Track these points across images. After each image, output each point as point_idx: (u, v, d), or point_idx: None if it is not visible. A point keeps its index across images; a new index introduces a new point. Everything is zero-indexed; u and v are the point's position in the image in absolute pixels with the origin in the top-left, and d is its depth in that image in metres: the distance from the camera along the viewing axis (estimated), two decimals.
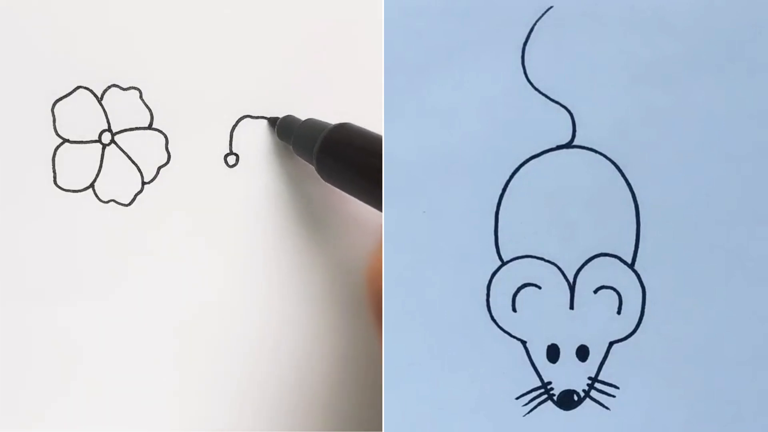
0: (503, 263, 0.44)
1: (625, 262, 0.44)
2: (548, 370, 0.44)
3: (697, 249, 0.44)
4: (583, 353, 0.44)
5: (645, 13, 0.44)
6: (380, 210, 0.41)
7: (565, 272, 0.44)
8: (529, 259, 0.44)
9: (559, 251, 0.44)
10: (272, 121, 0.49)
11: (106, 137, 0.48)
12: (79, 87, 0.48)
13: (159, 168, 0.49)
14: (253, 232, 0.50)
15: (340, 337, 0.50)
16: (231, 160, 0.50)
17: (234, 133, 0.49)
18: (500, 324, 0.44)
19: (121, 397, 0.48)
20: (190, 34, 0.49)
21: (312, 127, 0.46)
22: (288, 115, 0.48)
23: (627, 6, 0.44)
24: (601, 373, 0.44)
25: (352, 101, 0.49)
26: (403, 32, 0.44)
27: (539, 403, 0.44)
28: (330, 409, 0.49)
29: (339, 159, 0.44)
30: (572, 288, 0.44)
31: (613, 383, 0.44)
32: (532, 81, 0.44)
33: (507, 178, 0.44)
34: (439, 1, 0.44)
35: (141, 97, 0.48)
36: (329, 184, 0.46)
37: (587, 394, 0.44)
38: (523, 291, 0.44)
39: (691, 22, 0.44)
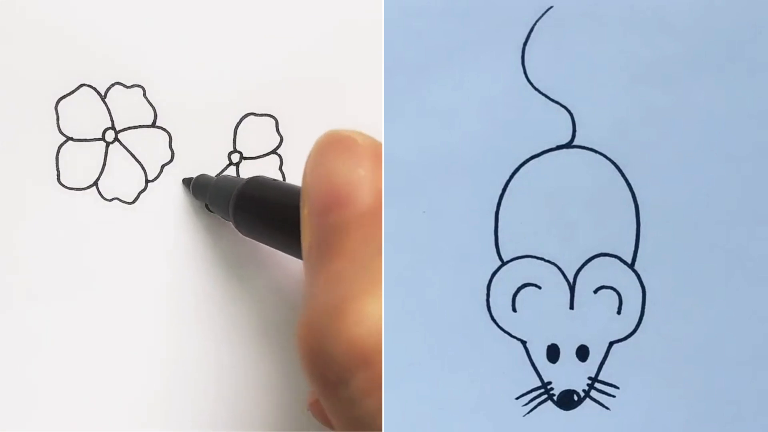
0: (503, 263, 0.44)
1: (625, 262, 0.44)
2: (548, 370, 0.44)
3: (697, 249, 0.44)
4: (583, 353, 0.44)
5: (645, 13, 0.44)
6: (297, 257, 0.39)
7: (565, 272, 0.44)
8: (529, 259, 0.44)
9: (559, 251, 0.44)
10: (186, 182, 0.49)
11: (110, 135, 0.48)
12: (82, 85, 0.48)
13: (163, 166, 0.49)
14: None
15: None
16: (235, 157, 0.50)
17: (238, 131, 0.49)
18: (500, 324, 0.44)
19: (124, 395, 0.49)
20: (193, 31, 0.49)
21: (225, 184, 0.46)
22: (201, 175, 0.48)
23: (627, 6, 0.44)
24: (601, 373, 0.44)
25: (352, 101, 0.49)
26: (403, 32, 0.44)
27: (539, 403, 0.44)
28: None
29: (254, 213, 0.43)
30: (572, 288, 0.44)
31: (613, 383, 0.44)
32: (532, 81, 0.44)
33: (507, 178, 0.44)
34: (439, 1, 0.44)
35: (144, 94, 0.49)
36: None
37: (587, 394, 0.44)
38: (523, 291, 0.44)
39: (691, 22, 0.44)
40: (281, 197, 0.42)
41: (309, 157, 0.36)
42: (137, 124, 0.49)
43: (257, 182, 0.44)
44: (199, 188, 0.48)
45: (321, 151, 0.36)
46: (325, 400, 0.33)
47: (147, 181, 0.49)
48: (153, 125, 0.49)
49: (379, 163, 0.35)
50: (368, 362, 0.31)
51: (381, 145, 0.37)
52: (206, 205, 0.49)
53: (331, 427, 0.41)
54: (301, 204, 0.36)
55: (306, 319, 0.33)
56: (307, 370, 0.33)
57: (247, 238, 0.47)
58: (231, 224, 0.47)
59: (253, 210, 0.43)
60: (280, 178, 0.50)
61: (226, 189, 0.45)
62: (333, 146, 0.36)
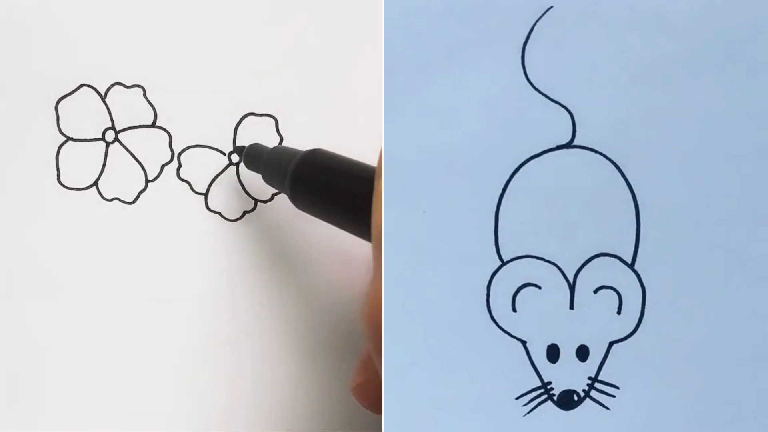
0: (503, 263, 0.44)
1: (625, 262, 0.44)
2: (548, 370, 0.44)
3: (697, 249, 0.44)
4: (583, 353, 0.44)
5: (645, 13, 0.44)
6: (358, 236, 0.40)
7: (565, 272, 0.44)
8: (529, 259, 0.44)
9: (559, 251, 0.44)
10: (239, 150, 0.48)
11: (110, 135, 0.49)
12: (82, 85, 0.48)
13: (163, 166, 0.49)
14: (257, 229, 0.50)
15: (340, 335, 0.50)
16: (235, 157, 0.50)
17: (237, 131, 0.49)
18: (500, 324, 0.44)
19: (123, 395, 0.49)
20: (193, 32, 0.49)
21: (282, 154, 0.45)
22: (254, 144, 0.48)
23: (627, 6, 0.44)
24: (601, 373, 0.44)
25: (352, 101, 0.49)
26: (403, 32, 0.44)
27: (539, 403, 0.44)
28: (329, 409, 0.49)
29: (313, 186, 0.43)
30: (572, 288, 0.44)
31: (613, 383, 0.44)
32: (532, 81, 0.44)
33: (507, 178, 0.44)
34: (439, 1, 0.44)
35: (144, 95, 0.49)
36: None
37: (587, 394, 0.44)
38: (523, 291, 0.44)
39: (691, 22, 0.44)
40: (349, 170, 0.41)
41: None
42: (137, 124, 0.49)
43: (321, 153, 0.44)
44: (252, 158, 0.47)
45: None
46: None
47: (147, 181, 0.49)
48: (153, 125, 0.49)
49: None
50: None
51: None
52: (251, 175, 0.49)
53: (374, 410, 0.41)
54: (376, 180, 0.37)
55: (375, 295, 0.35)
56: (373, 343, 0.35)
57: (247, 239, 0.47)
58: (232, 223, 0.48)
59: (312, 183, 0.43)
60: None
61: (283, 160, 0.44)
62: None
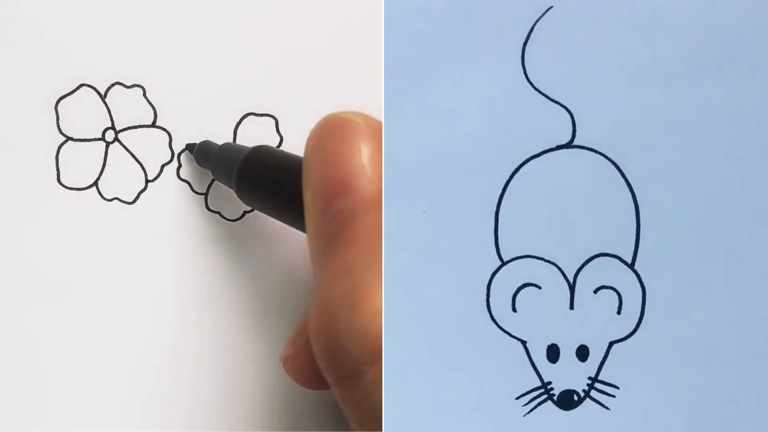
0: (503, 263, 0.44)
1: (625, 262, 0.44)
2: (548, 370, 0.44)
3: (697, 249, 0.44)
4: (583, 353, 0.44)
5: (645, 13, 0.44)
6: (301, 230, 0.39)
7: (565, 272, 0.44)
8: (529, 259, 0.44)
9: (559, 251, 0.44)
10: (190, 147, 0.49)
11: (110, 135, 0.48)
12: (82, 85, 0.48)
13: (163, 166, 0.49)
14: (257, 229, 0.50)
15: None
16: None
17: (238, 131, 0.49)
18: (500, 324, 0.44)
19: (124, 396, 0.49)
20: (193, 31, 0.49)
21: (230, 151, 0.45)
22: (205, 141, 0.48)
23: (627, 6, 0.44)
24: (601, 373, 0.44)
25: (352, 101, 0.49)
26: (403, 32, 0.44)
27: (539, 403, 0.44)
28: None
29: (257, 182, 0.43)
30: (572, 288, 0.44)
31: (613, 383, 0.44)
32: (532, 81, 0.44)
33: (507, 178, 0.44)
34: (439, 1, 0.44)
35: (145, 94, 0.49)
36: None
37: (587, 394, 0.44)
38: (523, 291, 0.44)
39: (691, 22, 0.44)
40: (288, 167, 0.41)
41: (309, 141, 0.36)
42: (137, 124, 0.49)
43: (264, 151, 0.44)
44: (202, 155, 0.48)
45: (321, 136, 0.36)
46: (339, 391, 0.33)
47: (147, 181, 0.49)
48: (153, 125, 0.49)
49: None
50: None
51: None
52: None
53: (301, 384, 0.41)
54: (303, 188, 0.36)
55: (318, 311, 0.33)
56: (322, 362, 0.33)
57: (248, 239, 0.47)
58: (232, 223, 0.48)
59: (258, 179, 0.43)
60: None
61: (230, 156, 0.45)
62: (334, 131, 0.36)
